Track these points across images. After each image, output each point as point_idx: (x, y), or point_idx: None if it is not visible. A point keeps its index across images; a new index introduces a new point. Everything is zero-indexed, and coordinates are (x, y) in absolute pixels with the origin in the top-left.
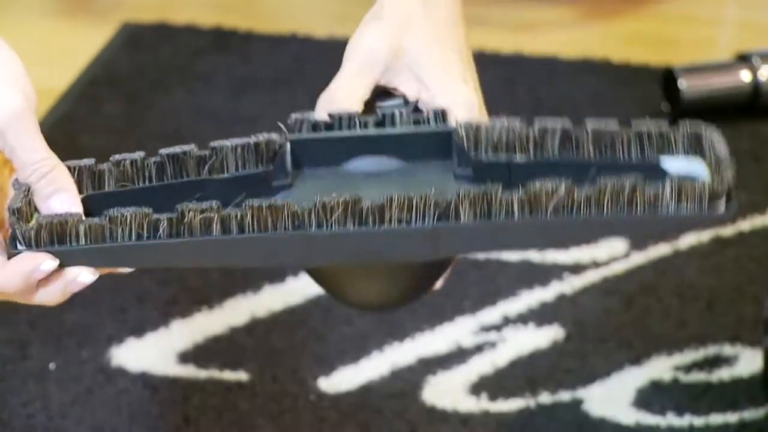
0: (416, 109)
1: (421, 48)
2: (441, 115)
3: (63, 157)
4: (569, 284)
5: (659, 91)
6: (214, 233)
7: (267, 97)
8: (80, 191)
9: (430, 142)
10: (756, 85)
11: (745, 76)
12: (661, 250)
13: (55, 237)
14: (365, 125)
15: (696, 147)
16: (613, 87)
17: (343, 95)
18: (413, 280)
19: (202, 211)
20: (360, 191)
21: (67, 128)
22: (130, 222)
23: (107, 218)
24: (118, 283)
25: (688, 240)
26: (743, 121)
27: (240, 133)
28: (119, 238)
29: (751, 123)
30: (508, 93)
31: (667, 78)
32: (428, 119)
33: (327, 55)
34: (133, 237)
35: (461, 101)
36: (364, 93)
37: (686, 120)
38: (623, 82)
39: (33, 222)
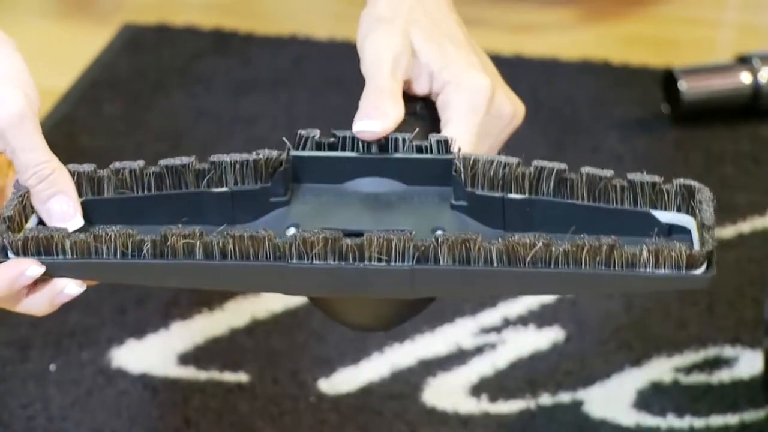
0: (428, 103)
1: (423, 43)
2: (444, 144)
3: (63, 159)
4: None
5: (659, 93)
6: (197, 257)
7: (267, 98)
8: (79, 195)
9: (431, 169)
10: (756, 86)
11: (745, 77)
12: None
13: (41, 249)
14: (368, 148)
15: (686, 205)
16: (613, 88)
17: (392, 97)
18: (402, 308)
19: (185, 236)
20: (356, 213)
21: (67, 129)
22: (115, 240)
23: (92, 235)
24: (118, 285)
25: None
26: (743, 122)
27: (240, 134)
28: (104, 254)
29: (751, 125)
30: None
31: (668, 79)
32: (431, 147)
33: (327, 57)
34: (118, 255)
35: (468, 90)
36: (401, 94)
37: (680, 179)
38: (623, 83)
39: (21, 234)
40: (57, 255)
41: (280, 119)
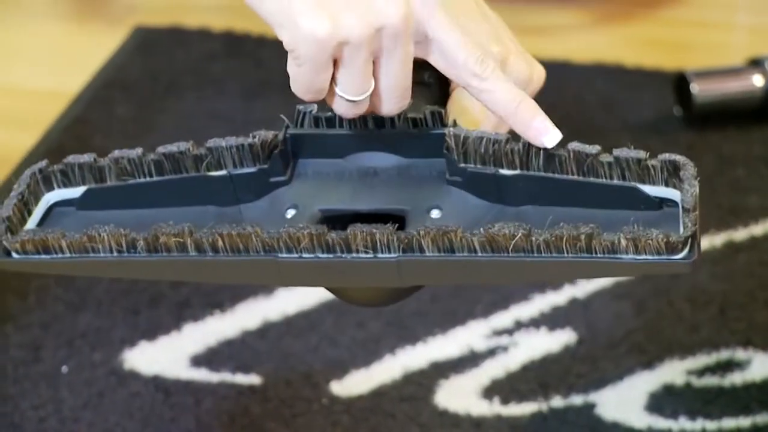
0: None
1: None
2: (438, 116)
3: None
4: (581, 288)
5: (671, 95)
6: (189, 253)
7: (279, 100)
8: (82, 184)
9: (426, 142)
10: None
11: (757, 80)
12: None
13: (40, 249)
14: (365, 123)
15: (673, 180)
16: (626, 91)
17: None
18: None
19: (176, 235)
20: (354, 192)
21: (79, 131)
22: (108, 240)
23: (86, 236)
24: (131, 286)
25: (701, 245)
26: (755, 125)
27: None
28: (99, 251)
29: (763, 127)
30: None
31: (680, 82)
32: (426, 120)
33: None
34: (114, 252)
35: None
36: None
37: (665, 154)
38: (636, 86)
39: (18, 236)
40: (56, 253)
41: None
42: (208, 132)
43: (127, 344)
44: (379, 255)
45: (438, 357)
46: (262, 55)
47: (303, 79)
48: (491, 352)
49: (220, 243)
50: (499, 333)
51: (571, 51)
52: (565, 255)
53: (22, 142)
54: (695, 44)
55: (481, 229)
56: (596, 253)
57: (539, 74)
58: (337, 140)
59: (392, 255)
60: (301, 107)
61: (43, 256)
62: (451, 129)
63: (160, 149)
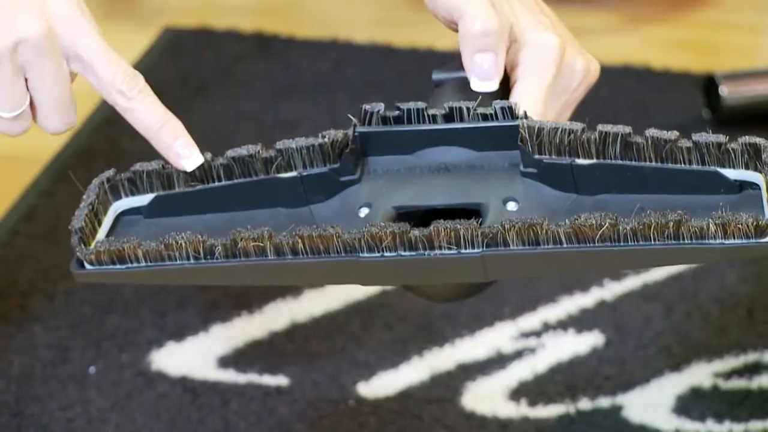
0: None
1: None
2: (508, 110)
3: (104, 161)
4: (609, 290)
5: (700, 98)
6: (269, 257)
7: (308, 101)
8: (151, 191)
9: (498, 135)
10: None
11: None
12: None
13: (115, 259)
14: (434, 119)
15: (754, 162)
16: (654, 93)
17: None
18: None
19: (255, 239)
20: (427, 187)
21: (107, 132)
22: (185, 247)
23: (163, 244)
24: (159, 288)
25: None
26: None
27: (281, 137)
28: (176, 259)
29: None
30: None
31: (709, 84)
32: (496, 114)
33: (367, 60)
34: (191, 259)
35: (537, 49)
36: None
37: (745, 137)
38: (664, 88)
39: (93, 247)
40: (132, 263)
41: (321, 123)
42: (236, 133)
43: (155, 345)
44: (463, 251)
45: (465, 359)
46: (291, 57)
47: None
48: (518, 354)
49: (300, 245)
50: (526, 335)
51: (599, 53)
52: (653, 243)
53: (50, 144)
54: (724, 46)
55: (567, 220)
56: (684, 239)
57: (595, 67)
58: (406, 136)
59: (476, 250)
60: (367, 106)
61: (118, 266)
62: (525, 120)
63: (230, 153)
